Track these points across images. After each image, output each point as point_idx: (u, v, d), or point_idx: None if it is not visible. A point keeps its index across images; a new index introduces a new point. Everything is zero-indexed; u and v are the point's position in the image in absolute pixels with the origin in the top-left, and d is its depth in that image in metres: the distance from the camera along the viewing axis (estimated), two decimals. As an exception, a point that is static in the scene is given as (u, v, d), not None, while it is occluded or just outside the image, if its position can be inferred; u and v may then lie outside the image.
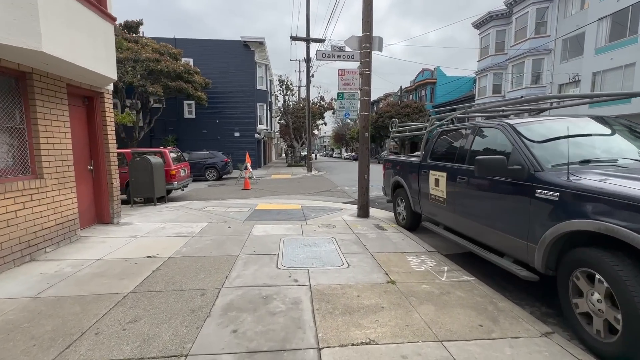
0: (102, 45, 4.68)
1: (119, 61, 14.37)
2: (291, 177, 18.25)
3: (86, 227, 5.24)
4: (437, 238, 5.14)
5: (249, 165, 14.26)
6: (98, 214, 5.56)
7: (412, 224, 5.54)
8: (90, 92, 5.23)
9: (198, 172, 16.53)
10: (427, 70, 38.18)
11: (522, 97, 20.11)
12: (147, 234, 5.14)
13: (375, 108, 57.11)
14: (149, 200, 8.29)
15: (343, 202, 8.95)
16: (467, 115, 4.76)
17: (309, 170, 21.68)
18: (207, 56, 22.59)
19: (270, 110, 30.82)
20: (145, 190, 8.17)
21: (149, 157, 8.20)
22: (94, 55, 4.46)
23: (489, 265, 3.59)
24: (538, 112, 4.74)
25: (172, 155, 9.92)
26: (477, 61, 26.46)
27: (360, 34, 6.21)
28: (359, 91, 6.53)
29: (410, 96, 40.72)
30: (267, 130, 27.37)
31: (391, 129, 6.77)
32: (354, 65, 6.66)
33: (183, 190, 10.69)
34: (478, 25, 26.12)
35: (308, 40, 21.10)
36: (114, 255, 4.05)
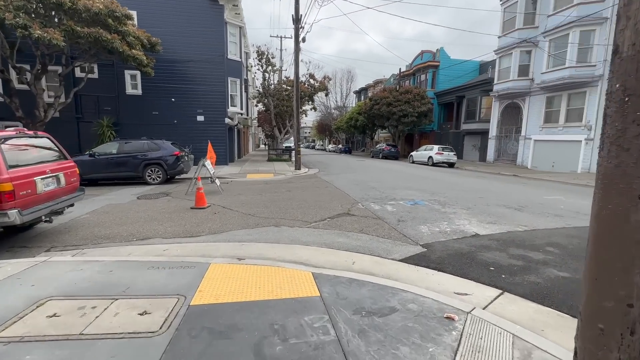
0: None
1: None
2: (275, 179, 12.99)
3: None
4: None
5: (207, 163, 8.83)
6: None
7: None
8: None
9: (132, 172, 10.88)
10: (427, 52, 33.56)
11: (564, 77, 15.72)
12: None
13: (362, 97, 52.16)
14: None
15: (405, 260, 3.94)
16: None
17: (297, 167, 16.46)
18: (159, 11, 16.50)
19: (246, 91, 25.00)
20: None
21: None
22: None
23: None
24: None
25: (12, 147, 4.44)
26: (498, 37, 22.01)
27: None
28: None
29: (407, 82, 36.06)
30: (241, 114, 21.68)
31: None
32: None
33: (50, 221, 4.99)
34: (500, -7, 21.64)
35: (297, -8, 15.64)
36: None
